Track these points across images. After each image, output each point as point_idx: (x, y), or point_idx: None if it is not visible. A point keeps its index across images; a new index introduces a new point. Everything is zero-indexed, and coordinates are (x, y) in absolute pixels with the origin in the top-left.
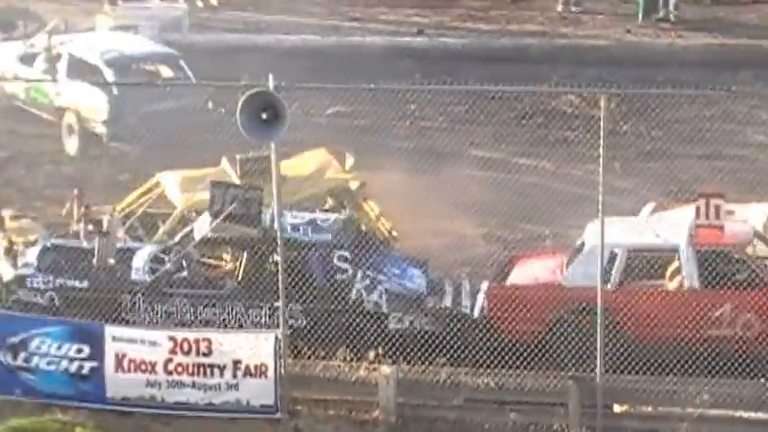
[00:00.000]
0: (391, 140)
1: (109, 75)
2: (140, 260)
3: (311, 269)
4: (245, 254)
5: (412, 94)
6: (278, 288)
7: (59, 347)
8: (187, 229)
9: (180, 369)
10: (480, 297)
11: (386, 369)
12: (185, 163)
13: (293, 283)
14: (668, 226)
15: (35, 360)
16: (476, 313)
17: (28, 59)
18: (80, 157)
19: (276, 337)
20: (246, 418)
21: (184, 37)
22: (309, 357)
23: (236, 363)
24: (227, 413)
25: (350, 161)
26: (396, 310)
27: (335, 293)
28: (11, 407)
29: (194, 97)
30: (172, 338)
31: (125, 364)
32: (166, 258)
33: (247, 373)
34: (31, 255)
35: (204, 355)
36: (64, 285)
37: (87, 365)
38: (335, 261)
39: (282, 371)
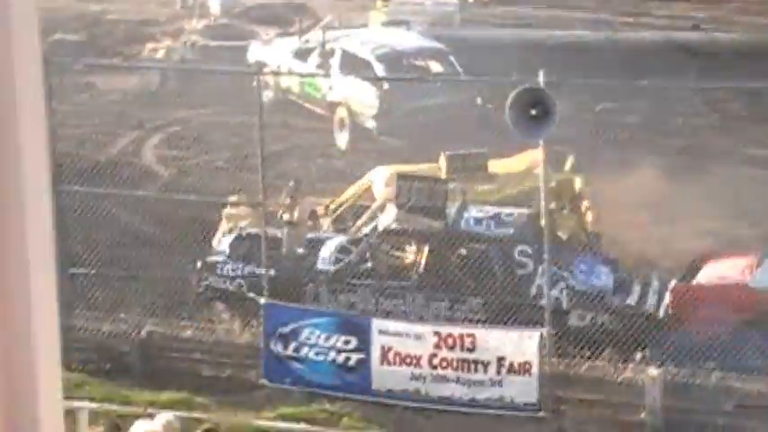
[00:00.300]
0: (661, 138)
1: (380, 70)
2: (327, 250)
3: (491, 263)
4: (426, 246)
5: (684, 91)
6: (459, 281)
7: (327, 338)
8: (375, 221)
9: (444, 364)
10: (667, 296)
11: (653, 371)
12: None
13: (474, 277)
14: None
15: (304, 350)
16: (661, 312)
17: (302, 55)
18: (350, 151)
19: (541, 335)
20: (509, 415)
21: (455, 32)
22: (574, 357)
23: (500, 359)
24: (490, 410)
25: (569, 162)
26: (576, 307)
27: (515, 288)
28: (281, 395)
29: (463, 93)
30: (437, 333)
31: (390, 356)
32: (353, 249)
33: (511, 370)
34: (225, 243)
35: (468, 350)
36: (252, 273)
37: (354, 357)
38: (516, 256)
39: (547, 369)
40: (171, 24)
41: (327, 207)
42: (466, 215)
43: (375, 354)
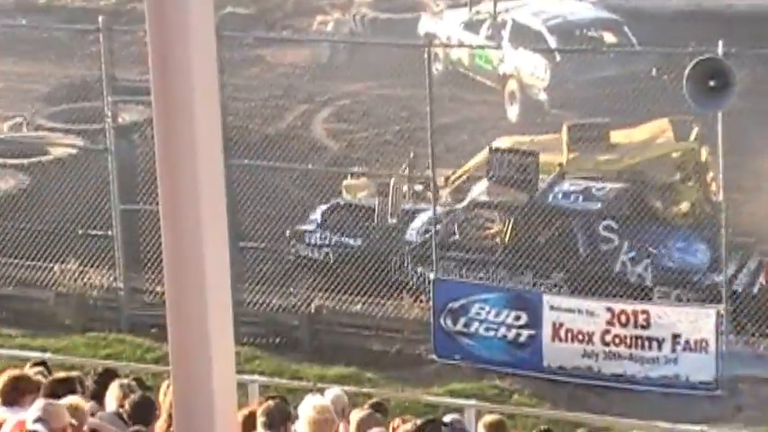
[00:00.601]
0: None
1: (552, 41)
2: (420, 221)
3: (575, 238)
4: (511, 219)
5: None
6: (543, 255)
7: (498, 314)
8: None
9: (617, 341)
10: (742, 275)
11: None
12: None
13: (558, 251)
14: None
15: (474, 325)
16: (755, 290)
17: (473, 26)
18: (521, 125)
19: (718, 313)
20: (683, 393)
21: (628, 2)
22: (753, 335)
23: (676, 337)
24: (664, 388)
25: (694, 131)
26: (661, 283)
27: (599, 263)
28: (451, 371)
29: (638, 64)
30: (609, 309)
31: (562, 333)
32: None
33: (687, 347)
34: (319, 212)
35: (642, 327)
36: (339, 242)
37: (525, 333)
38: (601, 231)
39: (724, 347)
40: None
41: (448, 178)
42: (557, 189)
43: (546, 330)
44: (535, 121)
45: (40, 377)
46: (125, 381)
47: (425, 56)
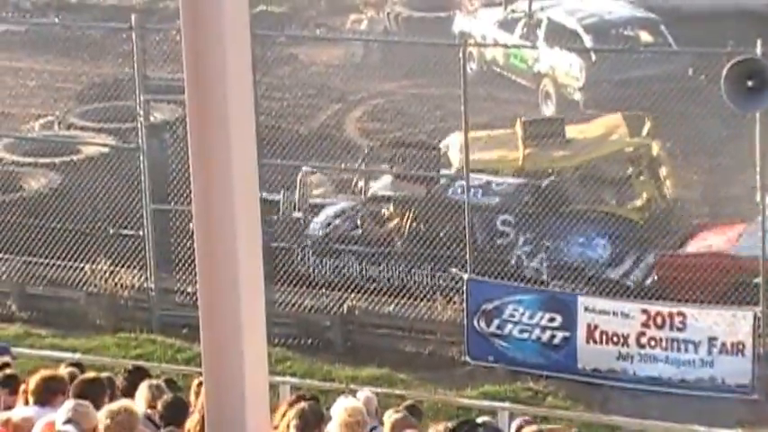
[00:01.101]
0: None
1: (587, 40)
2: (324, 215)
3: (473, 232)
4: (410, 213)
5: None
6: (442, 249)
7: (532, 316)
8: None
9: (653, 343)
10: (643, 268)
11: None
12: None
13: (455, 245)
14: None
15: (508, 327)
16: (647, 284)
17: (508, 25)
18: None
19: (755, 315)
20: (719, 397)
21: (666, 1)
22: None
23: (712, 339)
24: (700, 391)
25: (647, 127)
26: (557, 277)
27: (495, 257)
28: (484, 373)
29: (675, 64)
30: (645, 311)
31: (596, 335)
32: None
33: (723, 350)
34: None
35: (678, 329)
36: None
37: (559, 335)
38: (499, 225)
39: (761, 350)
40: None
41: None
42: (456, 183)
43: (580, 332)
44: (571, 120)
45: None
46: (154, 381)
47: (460, 55)
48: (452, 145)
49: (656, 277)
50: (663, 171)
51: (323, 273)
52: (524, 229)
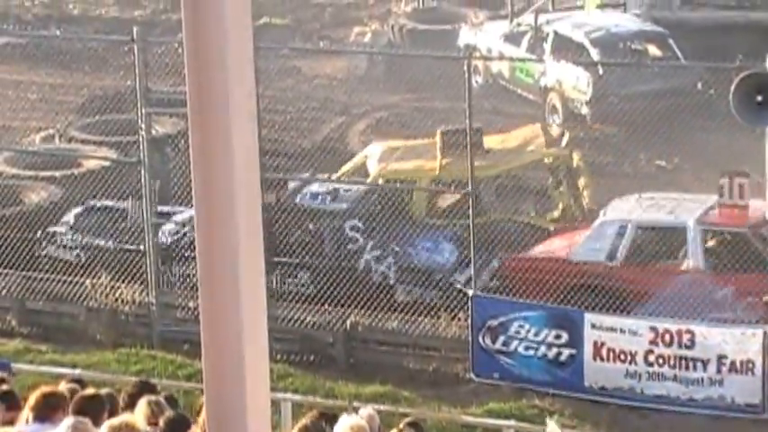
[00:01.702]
0: None
1: (594, 54)
2: (173, 223)
3: (322, 237)
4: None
5: None
6: (290, 255)
7: (538, 333)
8: None
9: (661, 361)
10: (485, 273)
11: None
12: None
13: (305, 251)
14: (691, 203)
15: (514, 344)
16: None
17: (514, 38)
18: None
19: (765, 333)
20: (729, 416)
21: (674, 14)
22: None
23: (721, 358)
24: (709, 410)
25: (566, 137)
26: (404, 282)
27: (344, 263)
28: (489, 390)
29: (683, 78)
30: (653, 329)
31: (603, 352)
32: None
33: (732, 369)
34: (72, 214)
35: (687, 347)
36: (90, 244)
37: (565, 352)
38: (347, 231)
39: None
40: (378, 7)
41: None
42: (305, 190)
43: (587, 349)
44: (578, 135)
45: (68, 394)
46: (153, 398)
47: (465, 68)
48: (371, 155)
49: (496, 282)
50: (582, 182)
51: (171, 280)
52: (372, 234)
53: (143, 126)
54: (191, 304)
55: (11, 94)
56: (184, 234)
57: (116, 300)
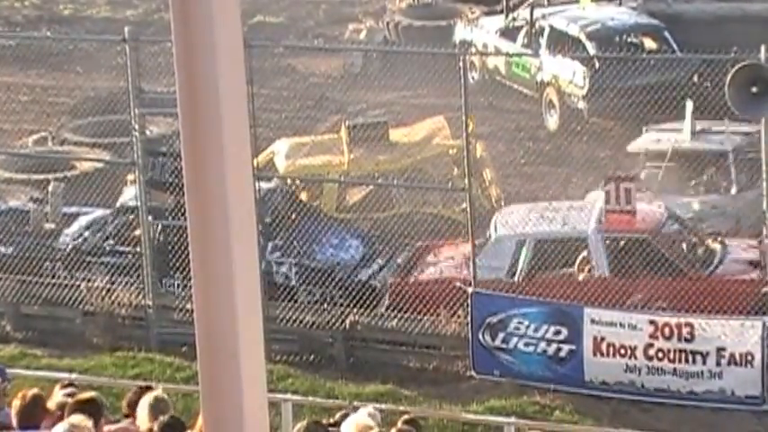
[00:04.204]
0: None
1: (590, 48)
2: (77, 225)
3: None
4: (161, 222)
5: None
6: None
7: (537, 329)
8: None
9: (661, 355)
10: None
11: None
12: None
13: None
14: (577, 212)
15: (514, 341)
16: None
17: (510, 33)
18: (559, 134)
19: (764, 325)
20: (729, 408)
21: (669, 6)
22: None
23: (720, 350)
24: (709, 402)
25: (470, 128)
26: (306, 282)
27: None
28: (490, 387)
29: (679, 70)
30: (653, 322)
31: (603, 347)
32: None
33: (732, 361)
34: None
35: (686, 340)
36: None
37: (565, 348)
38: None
39: None
40: (373, 4)
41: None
42: None
43: (587, 344)
44: (575, 129)
45: (63, 398)
46: (155, 397)
47: (459, 64)
48: (278, 152)
49: (387, 301)
50: (487, 172)
51: (74, 285)
52: (273, 235)
53: (136, 127)
54: (188, 306)
55: (1, 97)
56: (85, 239)
57: (112, 303)
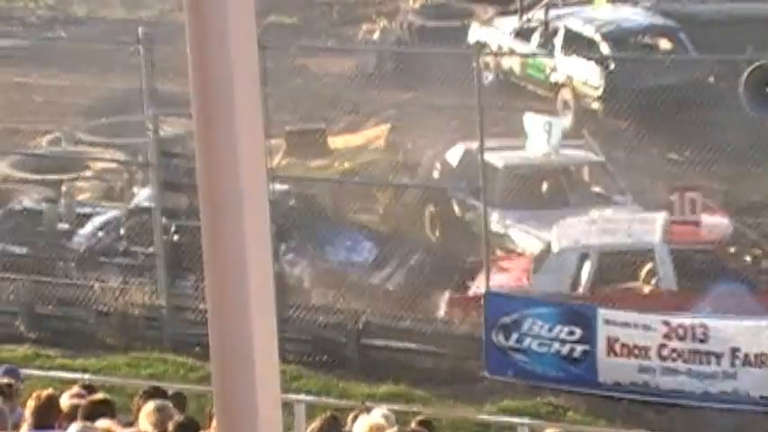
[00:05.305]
0: None
1: (605, 48)
2: (91, 226)
3: None
4: (174, 223)
5: None
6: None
7: (551, 329)
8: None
9: (675, 355)
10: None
11: None
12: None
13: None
14: (639, 224)
15: (527, 341)
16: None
17: (524, 34)
18: (574, 134)
19: None
20: (743, 409)
21: (683, 6)
22: None
23: (734, 351)
24: (723, 404)
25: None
26: (319, 285)
27: None
28: (503, 388)
29: (694, 71)
30: (666, 323)
31: (617, 348)
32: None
33: (746, 362)
34: None
35: (700, 341)
36: (4, 250)
37: (579, 348)
38: None
39: None
40: (387, 4)
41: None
42: None
43: (601, 345)
44: (589, 130)
45: (75, 400)
46: (160, 402)
47: (473, 65)
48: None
49: (446, 317)
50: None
51: (87, 285)
52: (285, 236)
53: (151, 127)
54: (201, 307)
55: (16, 97)
56: (99, 240)
57: (126, 303)
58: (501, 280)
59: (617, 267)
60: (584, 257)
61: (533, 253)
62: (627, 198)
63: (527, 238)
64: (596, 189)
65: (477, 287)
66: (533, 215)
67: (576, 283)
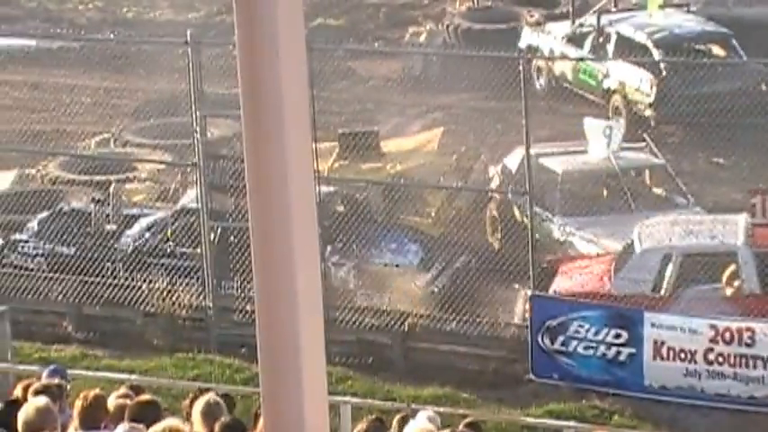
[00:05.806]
0: None
1: (657, 55)
2: (138, 227)
3: None
4: (219, 226)
5: None
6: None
7: (597, 332)
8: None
9: (721, 359)
10: (522, 306)
11: None
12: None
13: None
14: (722, 225)
15: (573, 344)
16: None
17: (577, 40)
18: (626, 140)
19: None
20: None
21: (729, 11)
22: None
23: None
24: None
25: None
26: (363, 287)
27: None
28: (549, 391)
29: (747, 78)
30: (713, 327)
31: (663, 351)
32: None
33: None
34: (36, 221)
35: (747, 345)
36: (53, 251)
37: (625, 351)
38: None
39: None
40: (433, 7)
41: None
42: None
43: (647, 348)
44: (641, 137)
45: (122, 400)
46: (212, 400)
47: (520, 68)
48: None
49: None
50: None
51: (135, 286)
52: (330, 238)
53: (198, 129)
54: (248, 307)
55: (65, 99)
56: (146, 240)
57: (173, 304)
58: (581, 281)
59: (699, 269)
60: (667, 259)
61: (614, 254)
62: (689, 201)
63: (589, 246)
64: (657, 192)
65: (558, 286)
66: (596, 221)
67: (657, 284)
